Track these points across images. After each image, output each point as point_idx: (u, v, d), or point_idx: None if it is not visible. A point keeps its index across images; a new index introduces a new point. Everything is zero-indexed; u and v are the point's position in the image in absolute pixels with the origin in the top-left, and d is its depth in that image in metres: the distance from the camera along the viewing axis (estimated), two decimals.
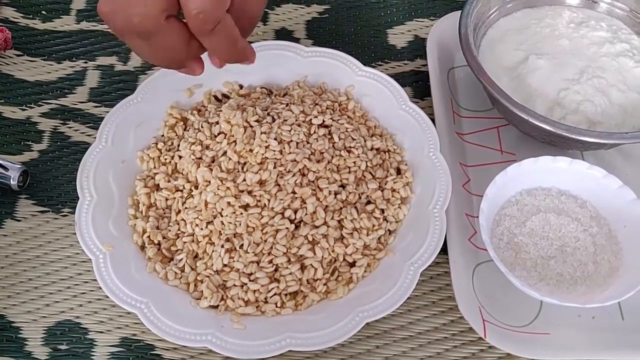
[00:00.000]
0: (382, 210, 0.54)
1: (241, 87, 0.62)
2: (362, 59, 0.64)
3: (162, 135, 0.59)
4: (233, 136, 0.55)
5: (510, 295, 0.52)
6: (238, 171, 0.53)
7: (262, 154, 0.53)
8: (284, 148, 0.54)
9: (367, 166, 0.55)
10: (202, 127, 0.57)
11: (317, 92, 0.61)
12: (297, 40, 0.68)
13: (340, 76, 0.61)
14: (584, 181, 0.54)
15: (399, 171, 0.56)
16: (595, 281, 0.51)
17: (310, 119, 0.56)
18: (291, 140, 0.54)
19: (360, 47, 0.68)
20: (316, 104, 0.58)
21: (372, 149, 0.57)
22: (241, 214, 0.51)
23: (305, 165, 0.53)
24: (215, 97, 0.61)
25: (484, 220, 0.51)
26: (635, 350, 0.50)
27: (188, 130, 0.58)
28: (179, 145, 0.57)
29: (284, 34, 0.69)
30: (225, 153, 0.54)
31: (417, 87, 0.65)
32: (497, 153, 0.60)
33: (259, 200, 0.52)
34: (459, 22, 0.59)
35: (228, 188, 0.52)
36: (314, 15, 0.71)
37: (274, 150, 0.53)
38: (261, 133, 0.54)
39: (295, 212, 0.51)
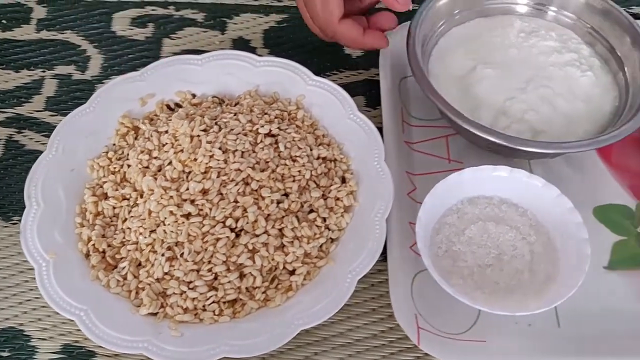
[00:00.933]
0: (324, 219, 0.54)
1: (194, 96, 0.63)
2: (317, 68, 0.65)
3: (114, 144, 0.60)
4: (180, 145, 0.56)
5: (448, 303, 0.52)
6: (183, 180, 0.54)
7: (206, 163, 0.54)
8: (229, 157, 0.54)
9: (311, 175, 0.56)
10: (151, 136, 0.57)
11: (268, 102, 0.61)
12: (253, 50, 0.69)
13: (291, 85, 0.62)
14: (524, 190, 0.55)
15: (344, 180, 0.57)
16: (531, 289, 0.51)
17: (257, 129, 0.57)
18: (236, 150, 0.55)
19: (316, 56, 0.69)
20: (265, 113, 0.59)
21: (318, 157, 0.57)
22: (183, 222, 0.52)
23: (249, 175, 0.54)
24: (168, 107, 0.62)
25: (421, 228, 0.52)
26: (570, 357, 0.51)
27: (139, 139, 0.59)
28: (128, 154, 0.58)
29: (241, 44, 0.70)
30: (171, 162, 0.55)
31: (370, 96, 0.66)
32: (444, 162, 0.61)
33: (201, 209, 0.52)
34: (407, 32, 0.60)
35: (171, 197, 0.53)
36: (272, 24, 0.72)
37: (218, 160, 0.54)
38: (206, 142, 0.55)
39: (237, 220, 0.52)
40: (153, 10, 0.72)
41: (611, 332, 0.52)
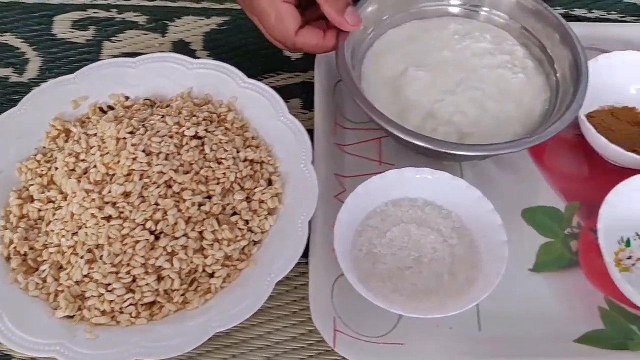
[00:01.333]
0: (247, 222, 0.54)
1: (127, 99, 0.63)
2: (256, 70, 0.65)
3: (44, 147, 0.60)
4: (107, 148, 0.56)
5: (371, 306, 0.52)
6: (107, 183, 0.54)
7: (129, 166, 0.54)
8: (152, 160, 0.54)
9: (236, 177, 0.56)
10: (80, 138, 0.57)
11: (199, 104, 0.61)
12: (193, 52, 0.69)
13: (224, 88, 0.62)
14: (448, 192, 0.55)
15: (270, 182, 0.57)
16: (450, 292, 0.51)
17: (184, 131, 0.57)
18: (160, 152, 0.55)
19: (255, 59, 0.69)
20: (193, 116, 0.59)
21: (245, 160, 0.57)
22: (104, 225, 0.52)
23: (171, 177, 0.54)
24: (101, 109, 0.62)
25: (341, 231, 0.52)
26: (492, 358, 0.51)
27: (69, 142, 0.59)
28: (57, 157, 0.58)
29: (181, 46, 0.70)
30: (96, 165, 0.55)
31: (307, 98, 0.66)
32: (376, 164, 0.61)
33: (122, 212, 0.52)
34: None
35: (93, 200, 0.53)
36: (213, 27, 0.72)
37: (142, 162, 0.54)
38: (131, 145, 0.55)
39: (157, 223, 0.52)
40: (95, 13, 0.73)
41: (533, 335, 0.52)
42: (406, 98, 0.59)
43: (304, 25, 0.58)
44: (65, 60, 0.69)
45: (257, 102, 0.61)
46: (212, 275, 0.52)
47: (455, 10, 0.65)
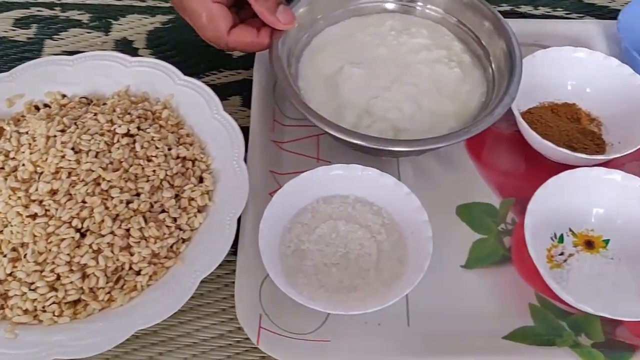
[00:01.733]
0: (175, 219, 0.54)
1: (64, 97, 0.62)
2: (197, 68, 0.65)
3: None
4: (37, 146, 0.55)
5: (298, 303, 0.52)
6: (35, 181, 0.54)
7: (57, 164, 0.53)
8: (81, 157, 0.54)
9: (166, 175, 0.55)
10: (11, 136, 0.57)
11: (136, 102, 0.61)
12: (136, 51, 0.69)
13: (161, 85, 0.62)
14: (378, 189, 0.55)
15: (202, 179, 0.56)
16: (375, 288, 0.51)
17: (115, 128, 0.57)
18: (90, 150, 0.54)
19: (198, 57, 0.69)
20: (127, 113, 0.58)
21: (177, 157, 0.57)
22: (28, 223, 0.51)
23: (100, 175, 0.53)
24: (37, 107, 0.61)
25: (266, 227, 0.51)
26: (418, 355, 0.50)
27: (0, 140, 0.58)
28: None
29: (123, 44, 0.69)
30: (24, 163, 0.55)
31: (247, 96, 0.65)
32: (313, 161, 0.61)
33: (48, 210, 0.52)
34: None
35: (19, 198, 0.52)
36: (157, 25, 0.71)
37: (70, 160, 0.54)
38: (60, 143, 0.54)
39: (83, 221, 0.52)
40: (39, 11, 0.72)
41: (462, 331, 0.52)
42: (342, 95, 0.59)
43: (236, 24, 0.58)
44: (5, 58, 0.68)
45: (193, 99, 0.61)
46: (138, 273, 0.52)
47: (391, 6, 0.65)
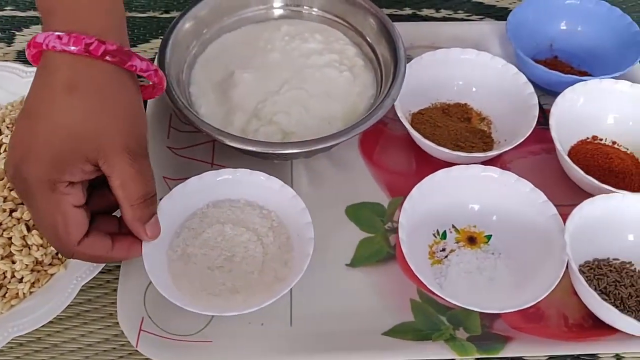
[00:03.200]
0: None
1: None
2: None
3: None
4: None
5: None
6: None
7: None
8: None
9: None
10: None
11: None
12: None
13: None
14: (265, 192, 0.56)
15: None
16: (258, 290, 0.52)
17: (2, 138, 0.57)
18: None
19: None
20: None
21: None
22: None
23: None
24: None
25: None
26: (300, 353, 0.51)
27: None
28: None
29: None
30: None
31: (146, 103, 0.66)
32: (208, 166, 0.62)
33: None
34: (161, 43, 0.61)
35: None
36: None
37: None
38: None
39: None
40: None
41: (344, 329, 0.53)
42: (231, 100, 0.60)
43: (88, 231, 0.47)
44: None
45: None
46: (21, 280, 0.52)
47: (279, 12, 0.66)
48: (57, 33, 0.44)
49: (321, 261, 0.56)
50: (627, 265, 0.55)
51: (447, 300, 0.50)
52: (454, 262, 0.55)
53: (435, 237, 0.57)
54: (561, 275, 0.50)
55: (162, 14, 0.75)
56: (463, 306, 0.49)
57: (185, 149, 0.63)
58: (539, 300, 0.49)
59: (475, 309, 0.49)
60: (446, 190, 0.56)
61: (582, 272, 0.54)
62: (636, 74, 0.66)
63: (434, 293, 0.53)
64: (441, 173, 0.55)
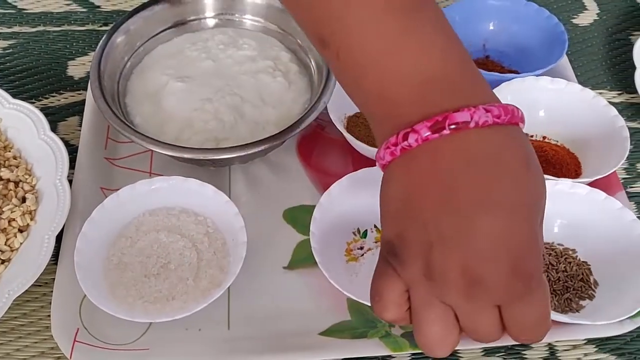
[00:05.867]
0: None
1: None
2: (39, 91, 0.66)
3: None
4: None
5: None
6: None
7: None
8: None
9: None
10: None
11: None
12: None
13: None
14: (200, 198, 0.56)
15: (24, 200, 0.57)
16: (194, 296, 0.52)
17: None
18: None
19: (38, 80, 0.69)
20: None
21: (1, 179, 0.57)
22: None
23: None
24: None
25: (84, 243, 0.52)
26: (237, 355, 0.51)
27: None
28: None
29: None
30: None
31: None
32: (146, 175, 0.62)
33: None
34: (95, 54, 0.61)
35: None
36: None
37: None
38: None
39: None
40: None
41: (282, 331, 0.53)
42: (165, 109, 0.60)
43: None
44: None
45: (21, 121, 0.61)
46: None
47: (212, 22, 0.67)
48: (483, 106, 0.35)
49: (259, 265, 0.56)
50: (570, 252, 0.56)
51: None
52: (368, 260, 0.56)
53: (355, 235, 0.57)
54: None
55: (101, 26, 0.75)
56: (366, 303, 0.49)
57: (124, 159, 0.63)
58: None
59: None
60: (369, 191, 0.57)
61: None
62: (562, 70, 0.68)
63: None
64: (347, 178, 0.56)
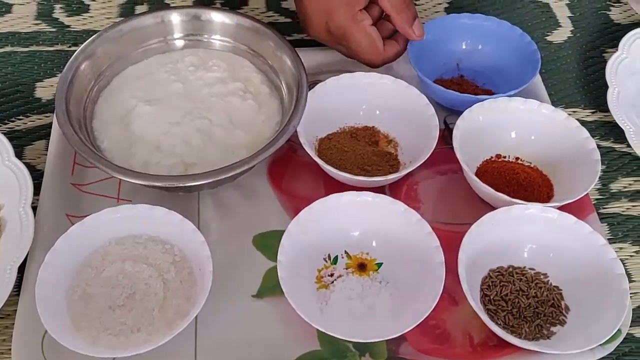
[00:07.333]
0: None
1: None
2: (5, 114, 0.65)
3: None
4: None
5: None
6: None
7: None
8: None
9: None
10: None
11: None
12: None
13: None
14: (168, 227, 0.55)
15: None
16: (159, 327, 0.51)
17: None
18: None
19: (7, 103, 0.68)
20: None
21: None
22: None
23: None
24: None
25: (48, 273, 0.51)
26: None
27: None
28: None
29: None
30: None
31: None
32: (113, 200, 0.61)
33: None
34: (60, 78, 0.60)
35: None
36: None
37: None
38: None
39: None
40: None
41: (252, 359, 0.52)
42: (133, 133, 0.59)
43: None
44: None
45: None
46: None
47: (181, 42, 0.66)
48: None
49: (227, 293, 0.55)
50: (541, 277, 0.56)
51: None
52: (338, 287, 0.55)
53: (326, 261, 0.57)
54: (439, 292, 0.51)
55: (70, 47, 0.74)
56: (334, 335, 0.49)
57: (91, 185, 0.62)
58: (416, 325, 0.49)
59: (339, 336, 0.50)
60: (340, 216, 0.56)
61: (489, 277, 0.55)
62: (536, 89, 0.68)
63: None
64: (334, 197, 0.55)
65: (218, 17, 0.66)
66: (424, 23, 0.66)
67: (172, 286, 0.53)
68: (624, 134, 0.64)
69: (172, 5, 0.79)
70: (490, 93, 0.67)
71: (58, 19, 0.77)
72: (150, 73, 0.64)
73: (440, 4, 0.81)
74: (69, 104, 0.59)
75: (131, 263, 0.54)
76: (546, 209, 0.55)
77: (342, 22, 0.62)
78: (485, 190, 0.57)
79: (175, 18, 0.65)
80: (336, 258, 0.57)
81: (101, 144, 0.60)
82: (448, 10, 0.80)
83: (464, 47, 0.70)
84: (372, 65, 0.65)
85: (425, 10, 0.80)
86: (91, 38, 0.63)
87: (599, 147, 0.61)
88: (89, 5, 0.78)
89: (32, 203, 0.56)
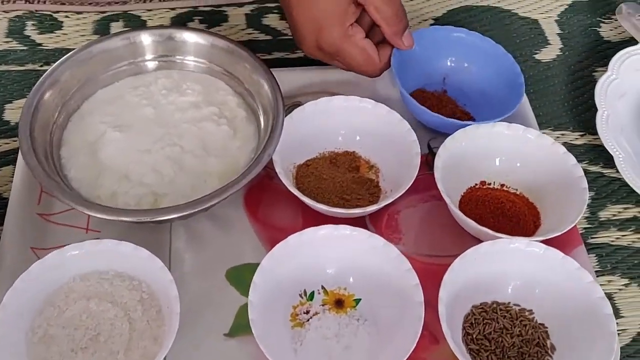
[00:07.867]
0: None
1: None
2: None
3: None
4: None
5: None
6: None
7: None
8: None
9: None
10: None
11: None
12: None
13: None
14: (135, 262, 0.52)
15: None
16: None
17: None
18: None
19: None
20: None
21: None
22: None
23: None
24: None
25: (5, 314, 0.49)
26: None
27: None
28: None
29: None
30: None
31: None
32: (82, 232, 0.58)
33: None
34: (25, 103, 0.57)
35: None
36: None
37: None
38: None
39: None
40: None
41: None
42: (101, 161, 0.57)
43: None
44: None
45: None
46: None
47: (152, 64, 0.63)
48: None
49: (198, 332, 0.53)
50: (526, 313, 0.53)
51: None
52: (314, 326, 0.53)
53: (302, 297, 0.54)
54: (419, 332, 0.48)
55: (42, 66, 0.71)
56: None
57: (58, 215, 0.59)
58: None
59: None
60: (316, 250, 0.54)
61: (472, 313, 0.53)
62: (522, 110, 0.65)
63: None
64: (292, 238, 0.53)
65: (192, 38, 0.63)
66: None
67: (139, 326, 0.51)
68: (613, 158, 0.62)
69: (148, 22, 0.76)
70: (469, 116, 0.65)
71: (30, 36, 0.74)
72: (121, 96, 0.62)
73: (426, 20, 0.78)
74: (34, 131, 0.56)
75: (96, 301, 0.51)
76: (532, 243, 0.53)
77: (334, 39, 0.61)
78: (469, 223, 0.55)
79: (147, 39, 0.63)
80: (312, 294, 0.54)
81: (68, 172, 0.57)
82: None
83: (449, 63, 0.68)
84: (371, 76, 0.65)
85: (411, 24, 0.77)
86: (59, 60, 0.60)
87: (587, 172, 0.58)
88: (62, 22, 0.75)
89: None
